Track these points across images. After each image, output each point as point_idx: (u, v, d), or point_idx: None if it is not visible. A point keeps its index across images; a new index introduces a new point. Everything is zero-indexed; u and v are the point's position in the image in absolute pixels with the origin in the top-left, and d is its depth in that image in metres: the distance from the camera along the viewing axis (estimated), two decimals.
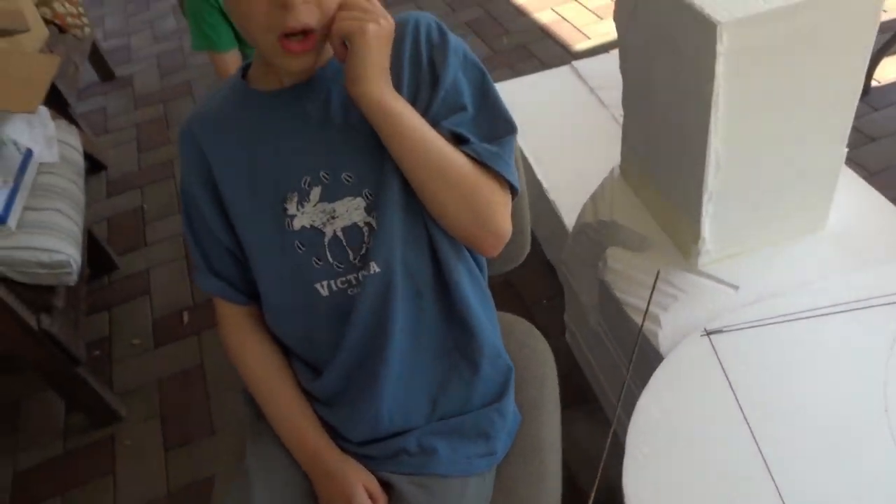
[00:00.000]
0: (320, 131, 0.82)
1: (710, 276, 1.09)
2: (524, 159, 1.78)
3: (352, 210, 0.83)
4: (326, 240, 0.83)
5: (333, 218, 0.82)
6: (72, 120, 2.40)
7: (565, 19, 2.79)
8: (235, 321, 0.93)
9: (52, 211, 1.53)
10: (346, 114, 0.81)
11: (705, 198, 1.01)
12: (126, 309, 2.03)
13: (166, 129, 2.73)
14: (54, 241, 1.46)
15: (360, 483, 0.86)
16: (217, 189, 0.85)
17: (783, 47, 0.88)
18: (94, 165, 2.50)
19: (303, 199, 0.82)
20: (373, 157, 0.81)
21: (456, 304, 0.88)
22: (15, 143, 1.51)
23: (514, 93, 1.98)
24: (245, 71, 0.88)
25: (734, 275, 1.08)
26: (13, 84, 1.42)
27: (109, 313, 2.02)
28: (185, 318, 1.95)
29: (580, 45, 2.63)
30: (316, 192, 0.82)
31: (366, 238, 0.83)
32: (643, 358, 1.11)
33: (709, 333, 0.99)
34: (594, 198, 1.34)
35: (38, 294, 1.46)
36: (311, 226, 0.83)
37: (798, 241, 1.11)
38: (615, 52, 2.49)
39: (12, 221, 1.42)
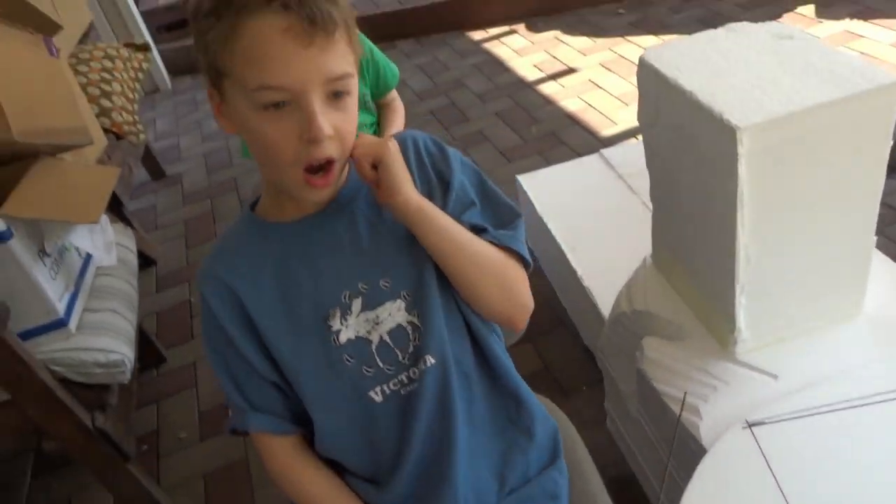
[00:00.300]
0: (353, 248, 0.87)
1: (748, 366, 1.10)
2: (557, 246, 1.82)
3: (394, 313, 0.87)
4: (374, 346, 0.86)
5: (377, 324, 0.86)
6: (125, 218, 2.53)
7: (592, 106, 2.88)
8: (286, 452, 0.90)
9: (109, 311, 1.61)
10: (372, 227, 0.88)
11: (737, 289, 1.03)
12: (173, 402, 2.08)
13: (213, 224, 2.85)
14: (110, 341, 1.53)
15: None
16: (253, 324, 0.86)
17: (803, 147, 0.92)
18: (144, 261, 2.61)
19: (345, 312, 0.86)
20: (405, 260, 0.87)
21: (501, 379, 0.92)
22: (77, 249, 1.61)
23: (545, 181, 2.05)
24: (252, 206, 0.92)
25: (773, 363, 1.09)
26: (77, 196, 1.53)
27: (157, 406, 2.07)
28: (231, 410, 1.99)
29: (608, 130, 2.71)
30: (357, 304, 0.86)
31: (411, 336, 0.87)
32: (685, 448, 1.10)
33: (751, 426, 0.99)
34: (628, 286, 1.37)
35: (93, 393, 1.52)
36: (357, 336, 0.86)
37: (835, 328, 1.12)
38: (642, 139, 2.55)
39: (73, 324, 1.50)
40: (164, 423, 2.01)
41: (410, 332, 0.87)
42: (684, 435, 1.09)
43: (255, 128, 0.77)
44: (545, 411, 0.98)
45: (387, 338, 0.87)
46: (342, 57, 0.76)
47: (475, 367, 0.90)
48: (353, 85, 0.79)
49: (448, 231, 0.86)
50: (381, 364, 0.87)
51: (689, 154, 1.03)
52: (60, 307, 1.48)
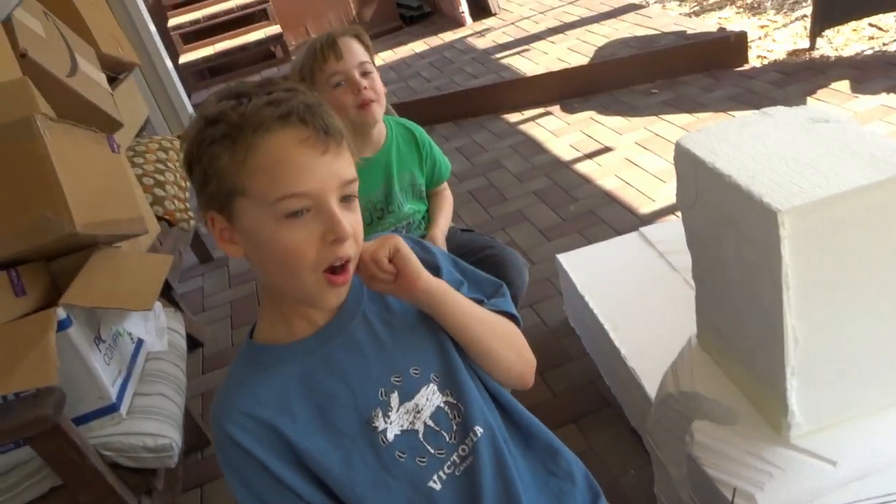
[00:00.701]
0: (374, 346, 0.90)
1: (805, 451, 1.06)
2: (600, 325, 1.81)
3: (430, 397, 0.89)
4: (421, 435, 0.88)
5: (419, 412, 0.88)
6: (174, 302, 2.61)
7: (629, 184, 2.91)
8: None
9: (158, 395, 1.65)
10: (385, 322, 0.91)
11: (788, 372, 1.01)
12: (217, 486, 2.07)
13: (257, 306, 2.91)
14: (159, 426, 1.55)
15: None
16: (292, 451, 0.83)
17: (845, 228, 0.92)
18: (191, 343, 2.67)
19: (386, 410, 0.87)
20: (425, 344, 0.91)
21: (533, 434, 0.96)
22: (129, 334, 1.67)
23: (586, 259, 2.06)
24: (251, 336, 0.91)
25: (831, 449, 1.05)
26: (133, 283, 1.59)
27: (201, 491, 2.07)
28: None
29: (646, 207, 2.72)
30: (395, 398, 0.88)
31: (450, 414, 0.89)
32: None
33: None
34: (674, 367, 1.35)
35: (141, 477, 1.54)
36: (403, 430, 0.87)
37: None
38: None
39: (124, 408, 1.53)
40: None
41: (449, 410, 0.89)
42: None
43: (273, 238, 0.79)
44: (573, 455, 1.01)
45: (430, 423, 0.88)
46: (350, 162, 0.83)
47: (507, 428, 0.93)
48: (357, 188, 0.85)
49: (463, 305, 0.93)
50: (431, 451, 0.87)
51: (730, 235, 1.04)
52: (113, 392, 1.52)
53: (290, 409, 0.84)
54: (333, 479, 0.83)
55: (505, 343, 0.96)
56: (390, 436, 0.86)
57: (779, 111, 1.13)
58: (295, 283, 0.82)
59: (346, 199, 0.82)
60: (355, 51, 1.57)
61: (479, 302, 0.97)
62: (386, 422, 0.87)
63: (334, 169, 0.80)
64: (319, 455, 0.83)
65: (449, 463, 0.87)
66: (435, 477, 0.87)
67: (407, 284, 0.88)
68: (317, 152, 0.78)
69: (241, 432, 0.82)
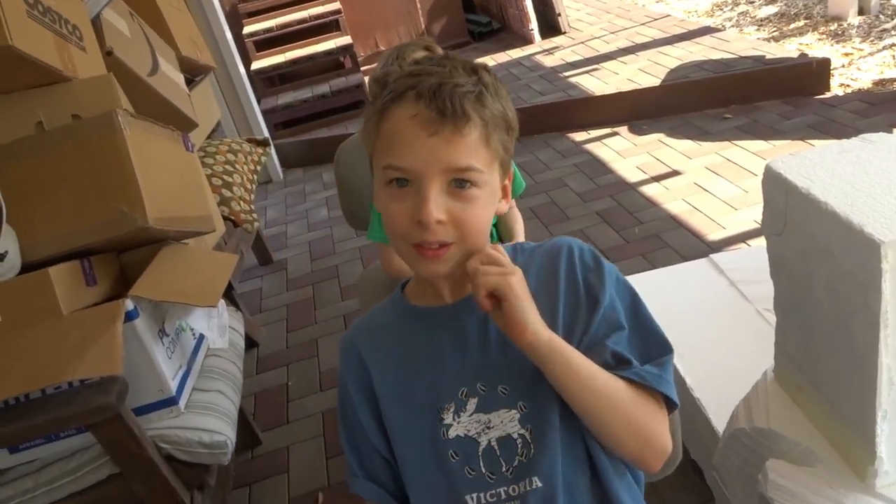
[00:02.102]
0: (479, 347, 0.87)
1: (892, 502, 0.99)
2: None
3: (507, 421, 0.85)
4: (481, 449, 0.85)
5: (489, 428, 0.85)
6: (234, 301, 2.65)
7: (697, 209, 2.83)
8: None
9: (216, 392, 1.66)
10: (501, 333, 0.85)
11: (879, 416, 0.95)
12: (265, 486, 2.08)
13: (313, 310, 2.93)
14: (215, 422, 1.56)
15: None
16: (375, 397, 0.90)
17: None
18: (248, 343, 2.70)
19: (459, 409, 0.86)
20: (530, 373, 0.84)
21: None
22: (192, 330, 1.68)
23: (652, 284, 1.99)
24: (403, 286, 0.96)
25: None
26: (199, 280, 1.61)
27: (249, 490, 2.08)
28: (320, 499, 1.97)
29: (714, 234, 2.64)
30: (472, 403, 0.85)
31: (520, 450, 0.84)
32: None
33: None
34: (747, 402, 1.28)
35: (194, 472, 1.54)
36: (466, 435, 0.85)
37: None
38: (755, 244, 2.47)
39: (183, 403, 1.55)
40: None
41: (520, 445, 0.84)
42: None
43: (381, 200, 0.83)
44: None
45: (495, 444, 0.85)
46: (470, 151, 0.79)
47: (590, 492, 0.85)
48: (482, 179, 0.80)
49: (580, 373, 0.81)
50: (483, 469, 0.84)
51: (822, 266, 0.98)
52: (173, 386, 1.53)
53: (387, 362, 0.90)
54: (393, 439, 0.88)
55: (621, 421, 0.82)
56: (452, 433, 0.85)
57: (881, 138, 1.06)
58: (395, 243, 0.84)
59: (459, 185, 0.79)
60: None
61: (625, 362, 0.84)
62: (455, 419, 0.86)
63: (441, 152, 0.77)
64: (387, 411, 0.89)
65: (494, 493, 0.84)
66: (475, 495, 0.84)
67: (509, 332, 0.81)
68: (425, 132, 0.77)
69: (346, 361, 0.92)
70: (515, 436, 0.84)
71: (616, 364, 0.85)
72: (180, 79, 2.32)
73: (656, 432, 0.84)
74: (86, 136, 1.53)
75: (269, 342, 2.80)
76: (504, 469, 0.84)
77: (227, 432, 1.55)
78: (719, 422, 1.45)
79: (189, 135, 1.95)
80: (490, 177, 0.81)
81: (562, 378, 0.82)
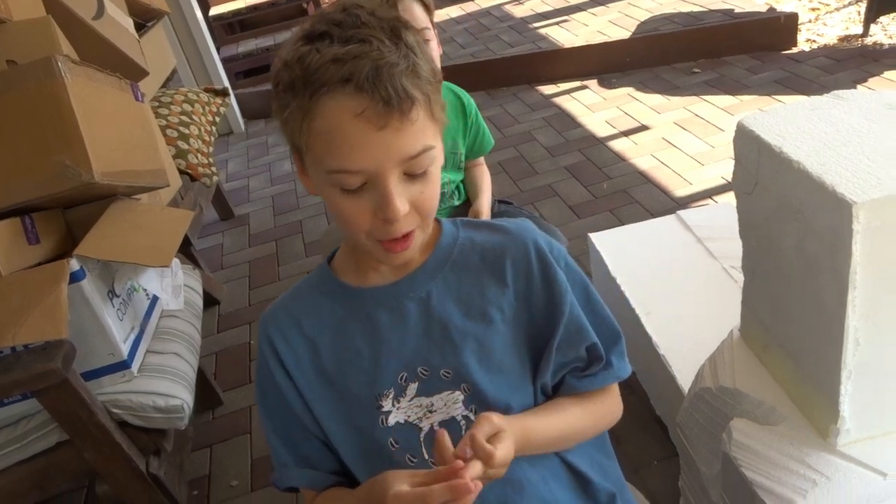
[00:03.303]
0: (421, 330, 0.82)
1: (853, 460, 0.99)
2: (631, 309, 1.74)
3: (450, 403, 0.82)
4: (422, 435, 0.82)
5: (431, 412, 0.82)
6: (192, 258, 2.57)
7: (665, 165, 2.81)
8: (323, 498, 0.87)
9: (171, 354, 1.61)
10: (446, 313, 0.82)
11: (843, 376, 0.94)
12: (227, 447, 2.05)
13: (277, 267, 2.87)
14: (170, 386, 1.51)
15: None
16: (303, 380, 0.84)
17: None
18: (208, 300, 2.63)
19: (399, 394, 0.82)
20: (473, 356, 0.81)
21: (573, 468, 0.88)
22: (145, 290, 1.62)
23: (619, 241, 1.97)
24: (330, 260, 0.89)
25: (881, 459, 0.98)
26: (151, 238, 1.54)
27: (211, 451, 2.04)
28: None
29: (682, 190, 2.62)
30: (413, 388, 0.82)
31: (463, 432, 0.81)
32: None
33: None
34: (713, 360, 1.28)
35: (149, 437, 1.50)
36: (407, 421, 0.82)
37: None
38: (721, 201, 2.47)
39: (135, 366, 1.49)
40: (217, 469, 1.98)
41: (464, 427, 0.81)
42: None
43: (331, 201, 0.76)
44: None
45: (437, 428, 0.81)
46: (420, 133, 0.72)
47: (546, 473, 0.85)
48: (434, 154, 0.75)
49: (547, 442, 0.84)
50: (426, 455, 0.81)
51: (792, 226, 0.95)
52: (124, 349, 1.47)
53: (317, 345, 0.84)
54: (327, 427, 0.83)
55: (586, 436, 0.89)
56: (391, 420, 0.81)
57: (853, 95, 1.03)
58: (356, 241, 0.79)
59: (415, 170, 0.73)
60: (417, 16, 1.45)
61: (599, 359, 0.86)
62: (394, 405, 0.82)
63: (394, 145, 0.70)
64: (320, 401, 0.83)
65: None
66: None
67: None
68: (373, 127, 0.69)
69: (269, 341, 0.85)
70: (459, 418, 0.81)
71: (588, 362, 0.87)
72: (129, 23, 2.19)
73: (611, 419, 0.91)
74: (23, 84, 1.43)
75: (231, 300, 2.73)
76: None
77: (183, 396, 1.51)
78: (685, 380, 1.45)
79: (139, 84, 1.85)
80: (439, 146, 0.76)
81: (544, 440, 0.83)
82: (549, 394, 0.88)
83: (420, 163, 0.73)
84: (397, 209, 0.71)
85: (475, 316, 0.83)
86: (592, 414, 0.88)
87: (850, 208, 0.81)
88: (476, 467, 0.67)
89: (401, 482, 0.69)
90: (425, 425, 0.82)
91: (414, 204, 0.74)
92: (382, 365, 0.82)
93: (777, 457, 1.04)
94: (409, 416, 0.82)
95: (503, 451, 0.70)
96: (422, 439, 0.82)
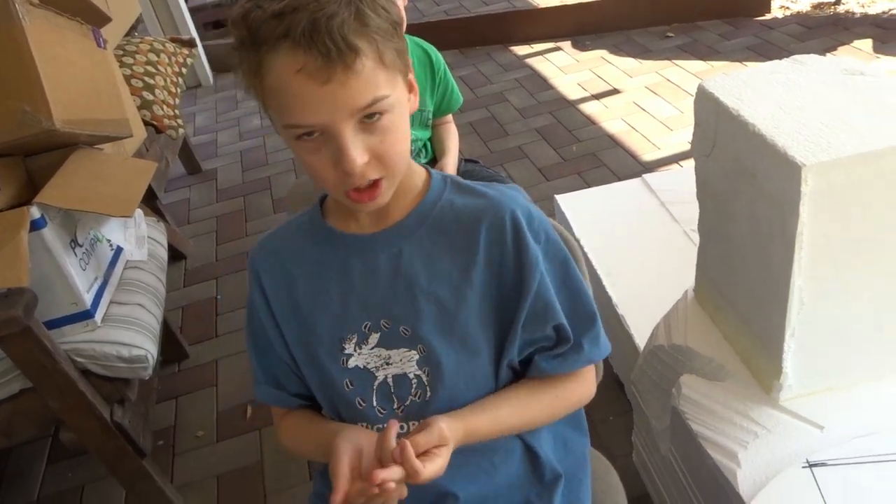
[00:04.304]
0: (388, 283, 0.83)
1: (793, 414, 1.04)
2: (593, 269, 1.77)
3: (405, 361, 0.84)
4: (376, 383, 0.84)
5: (388, 364, 0.84)
6: (158, 211, 2.54)
7: (635, 129, 2.83)
8: (291, 418, 0.94)
9: (135, 305, 1.60)
10: (413, 272, 0.83)
11: (787, 333, 0.98)
12: (192, 399, 2.06)
13: (244, 223, 2.85)
14: (134, 336, 1.51)
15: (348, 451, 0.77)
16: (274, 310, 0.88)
17: (871, 190, 0.87)
18: (174, 255, 2.62)
19: (361, 341, 0.84)
20: (433, 319, 0.82)
21: (526, 443, 0.90)
22: (108, 241, 1.61)
23: (585, 203, 2.00)
24: (322, 200, 0.90)
25: (819, 414, 1.03)
26: (113, 188, 1.52)
27: (176, 402, 2.06)
28: (249, 412, 1.97)
29: (649, 155, 2.65)
30: (374, 338, 0.84)
31: (413, 390, 0.84)
32: (721, 494, 1.05)
33: (811, 465, 0.94)
34: (667, 319, 1.32)
35: (113, 386, 1.51)
36: (365, 367, 0.84)
37: (892, 380, 1.05)
38: (687, 166, 2.50)
39: (98, 316, 1.49)
40: (182, 421, 2.00)
41: (415, 385, 0.84)
42: (721, 480, 1.03)
43: (297, 155, 0.76)
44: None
45: (390, 380, 0.84)
46: (368, 83, 0.70)
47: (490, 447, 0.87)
48: (389, 103, 0.73)
49: (497, 435, 0.85)
50: (374, 403, 0.85)
51: (745, 189, 0.98)
52: (88, 298, 1.47)
53: (291, 285, 0.87)
54: (296, 357, 0.88)
55: (546, 421, 0.89)
56: (351, 363, 0.84)
57: (812, 60, 1.05)
58: (328, 192, 0.80)
59: (368, 118, 0.72)
60: None
61: (566, 340, 0.85)
62: (356, 351, 0.84)
63: (341, 99, 0.69)
64: (289, 335, 0.87)
65: (381, 427, 0.83)
66: (366, 426, 0.85)
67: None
68: (316, 82, 0.67)
69: (253, 267, 0.89)
70: (412, 376, 0.83)
71: (556, 342, 0.85)
72: None
73: (579, 402, 0.91)
74: None
75: (198, 255, 2.72)
76: (395, 406, 0.85)
77: (147, 346, 1.51)
78: (641, 339, 1.49)
79: (101, 30, 1.80)
80: (396, 92, 0.74)
81: (492, 436, 0.84)
82: (517, 368, 0.88)
83: (375, 109, 0.72)
84: (353, 160, 0.71)
85: (442, 281, 0.82)
86: (558, 400, 0.87)
87: (799, 170, 0.83)
88: (395, 472, 0.69)
89: (343, 457, 0.74)
90: (380, 375, 0.84)
91: (374, 153, 0.73)
92: (350, 311, 0.84)
93: (722, 411, 1.09)
94: (367, 363, 0.84)
95: (432, 470, 0.71)
96: (374, 387, 0.84)
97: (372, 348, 0.84)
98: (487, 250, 0.82)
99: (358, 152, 0.71)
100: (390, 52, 0.72)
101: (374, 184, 0.75)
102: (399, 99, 0.75)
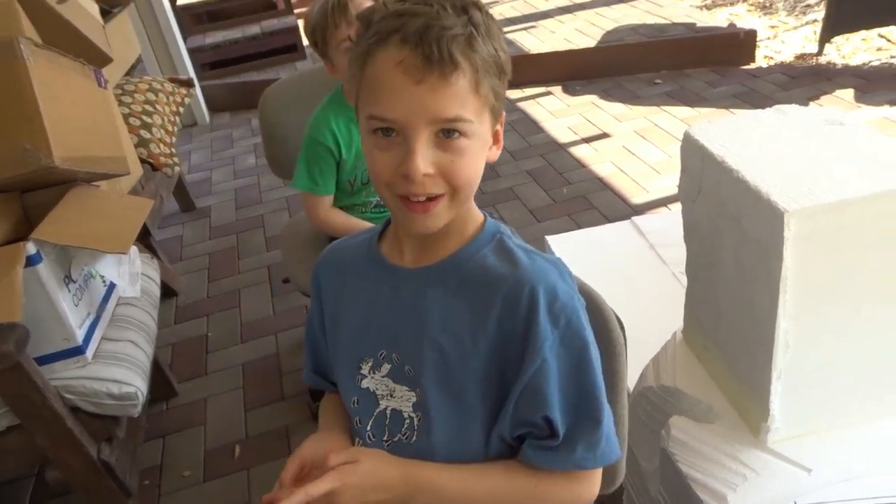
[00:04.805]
0: (405, 320, 0.84)
1: (781, 457, 1.05)
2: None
3: (404, 399, 0.85)
4: (377, 410, 0.87)
5: (391, 396, 0.86)
6: (151, 248, 2.55)
7: (624, 172, 2.88)
8: (326, 401, 1.02)
9: (127, 342, 1.60)
10: (428, 318, 0.82)
11: (774, 376, 0.99)
12: (180, 438, 2.04)
13: (236, 260, 2.86)
14: (125, 373, 1.51)
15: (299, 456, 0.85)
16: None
17: (852, 236, 0.90)
18: (166, 292, 2.61)
19: (376, 366, 0.86)
20: (434, 367, 0.82)
21: None
22: (101, 277, 1.61)
23: (575, 244, 2.03)
24: (388, 222, 0.91)
25: (807, 456, 1.04)
26: (109, 225, 1.54)
27: (164, 441, 2.04)
28: (237, 451, 1.95)
29: (639, 198, 2.70)
30: (386, 368, 0.86)
31: (403, 430, 0.85)
32: None
33: None
34: (656, 361, 1.33)
35: (102, 424, 1.50)
36: (373, 391, 0.87)
37: (878, 424, 1.07)
38: (675, 208, 2.54)
39: (90, 352, 1.49)
40: (169, 460, 1.97)
41: (406, 426, 0.85)
42: None
43: (365, 150, 0.78)
44: None
45: (388, 413, 0.86)
46: (458, 99, 0.72)
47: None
48: (471, 129, 0.74)
49: (460, 496, 0.82)
50: (368, 428, 0.87)
51: (730, 232, 1.01)
52: (79, 334, 1.47)
53: (342, 292, 0.92)
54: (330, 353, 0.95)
55: None
56: (364, 384, 0.88)
57: (793, 109, 1.09)
58: (382, 197, 0.80)
59: (446, 135, 0.73)
60: None
61: (554, 435, 0.79)
62: (370, 374, 0.87)
63: (428, 102, 0.71)
64: (329, 335, 0.95)
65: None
66: (359, 442, 0.91)
67: None
68: (410, 80, 0.70)
69: (315, 270, 0.96)
70: (406, 416, 0.85)
71: (548, 433, 0.80)
72: (94, 8, 2.18)
73: (574, 501, 0.84)
74: None
75: (190, 292, 2.72)
76: (384, 438, 0.86)
77: (137, 383, 1.51)
78: (630, 380, 1.50)
79: (102, 70, 1.84)
80: (480, 126, 0.75)
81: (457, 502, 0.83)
82: (510, 443, 0.84)
83: (452, 129, 0.73)
84: (417, 166, 0.72)
85: (451, 335, 0.81)
86: (539, 490, 0.82)
87: (782, 216, 0.86)
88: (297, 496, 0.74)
89: (293, 463, 0.83)
90: (383, 404, 0.86)
91: (442, 170, 0.74)
92: (371, 335, 0.87)
93: (711, 452, 1.10)
94: (376, 388, 0.86)
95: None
96: (374, 413, 0.86)
97: (383, 376, 0.86)
98: (499, 319, 0.79)
99: (424, 161, 0.73)
100: (487, 85, 0.74)
101: (431, 200, 0.76)
102: (481, 133, 0.76)
